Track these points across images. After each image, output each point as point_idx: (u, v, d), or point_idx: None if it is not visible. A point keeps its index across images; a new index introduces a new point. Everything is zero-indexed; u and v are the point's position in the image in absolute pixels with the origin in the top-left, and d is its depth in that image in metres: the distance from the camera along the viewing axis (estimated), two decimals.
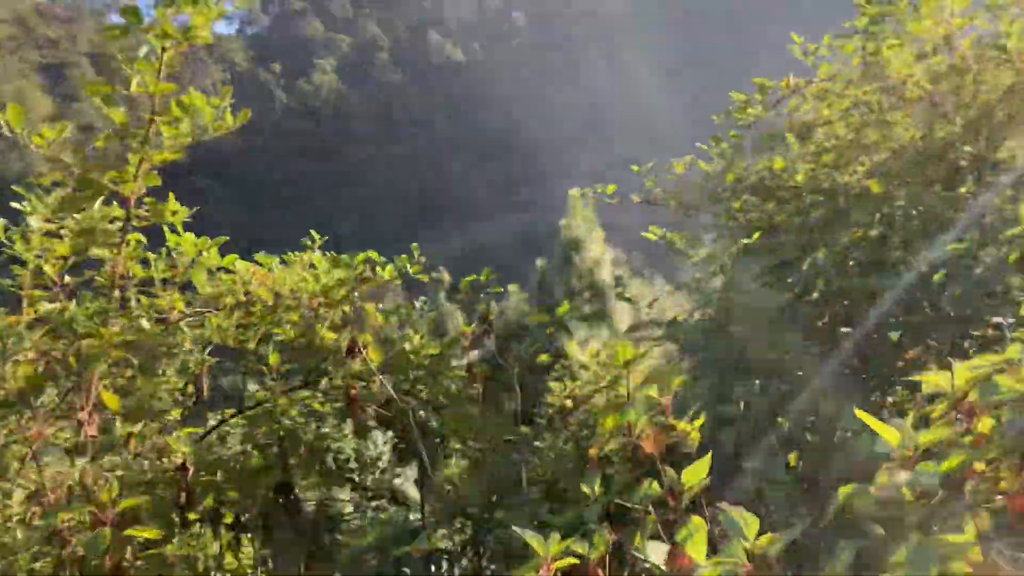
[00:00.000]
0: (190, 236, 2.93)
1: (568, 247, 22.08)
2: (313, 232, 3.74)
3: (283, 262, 4.03)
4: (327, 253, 3.54)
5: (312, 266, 3.61)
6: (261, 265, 3.40)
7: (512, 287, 23.39)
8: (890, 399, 2.64)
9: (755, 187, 3.53)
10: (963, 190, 2.78)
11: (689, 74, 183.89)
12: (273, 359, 3.15)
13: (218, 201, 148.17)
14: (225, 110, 2.47)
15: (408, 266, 3.27)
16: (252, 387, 3.50)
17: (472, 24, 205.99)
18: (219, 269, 3.15)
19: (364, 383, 2.97)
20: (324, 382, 3.21)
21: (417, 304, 3.83)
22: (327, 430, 3.83)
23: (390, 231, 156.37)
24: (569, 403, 6.25)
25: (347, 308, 2.83)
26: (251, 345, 3.31)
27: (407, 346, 3.08)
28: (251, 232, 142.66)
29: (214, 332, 3.09)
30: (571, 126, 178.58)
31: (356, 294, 2.76)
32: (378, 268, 3.42)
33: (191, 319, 3.03)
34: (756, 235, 3.13)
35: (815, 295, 2.68)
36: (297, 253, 3.97)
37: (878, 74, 4.02)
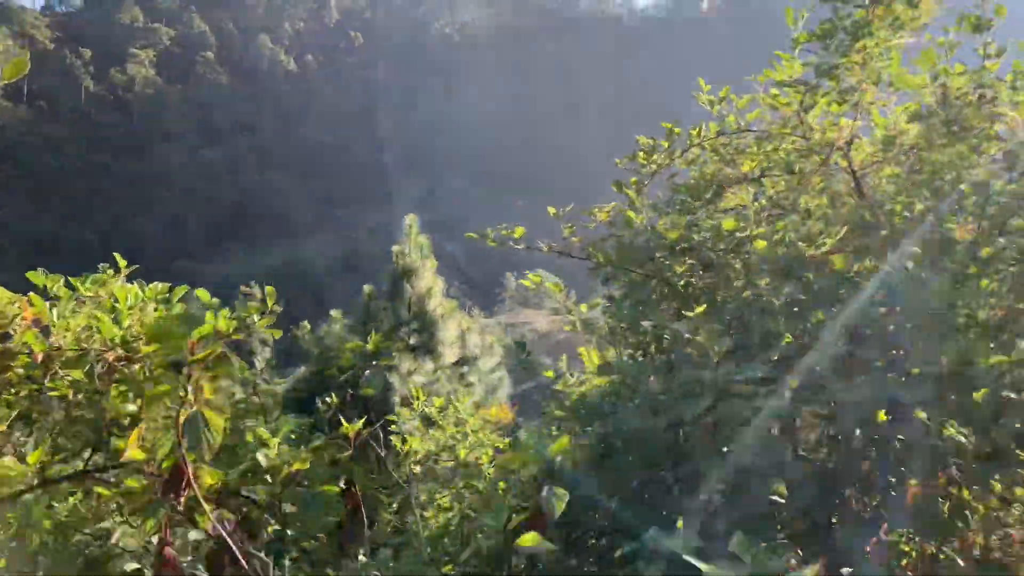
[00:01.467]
0: None
1: (400, 274, 21.16)
2: (117, 256, 2.71)
3: (69, 285, 2.96)
4: (142, 290, 2.53)
5: (115, 301, 2.59)
6: (36, 292, 2.34)
7: (335, 313, 22.05)
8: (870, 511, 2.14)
9: (694, 249, 3.00)
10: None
11: (520, 115, 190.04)
12: (33, 458, 2.07)
13: (1, 189, 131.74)
14: None
15: (255, 317, 2.36)
16: (8, 462, 2.39)
17: (307, 35, 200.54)
18: None
19: (187, 519, 2.00)
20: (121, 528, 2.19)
21: (258, 361, 2.89)
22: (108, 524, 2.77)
23: (200, 238, 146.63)
24: (417, 468, 5.44)
25: (177, 404, 1.83)
26: (0, 427, 2.22)
27: (261, 458, 2.12)
28: (40, 228, 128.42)
29: None
30: (400, 151, 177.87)
31: (191, 384, 1.79)
32: (209, 315, 2.46)
33: None
34: (700, 309, 2.57)
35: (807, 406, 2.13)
36: (91, 278, 2.91)
37: (805, 132, 3.66)
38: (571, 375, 5.48)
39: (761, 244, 2.59)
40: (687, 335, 2.14)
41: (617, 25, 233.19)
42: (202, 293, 2.51)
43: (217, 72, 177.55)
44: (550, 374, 5.23)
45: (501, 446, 5.28)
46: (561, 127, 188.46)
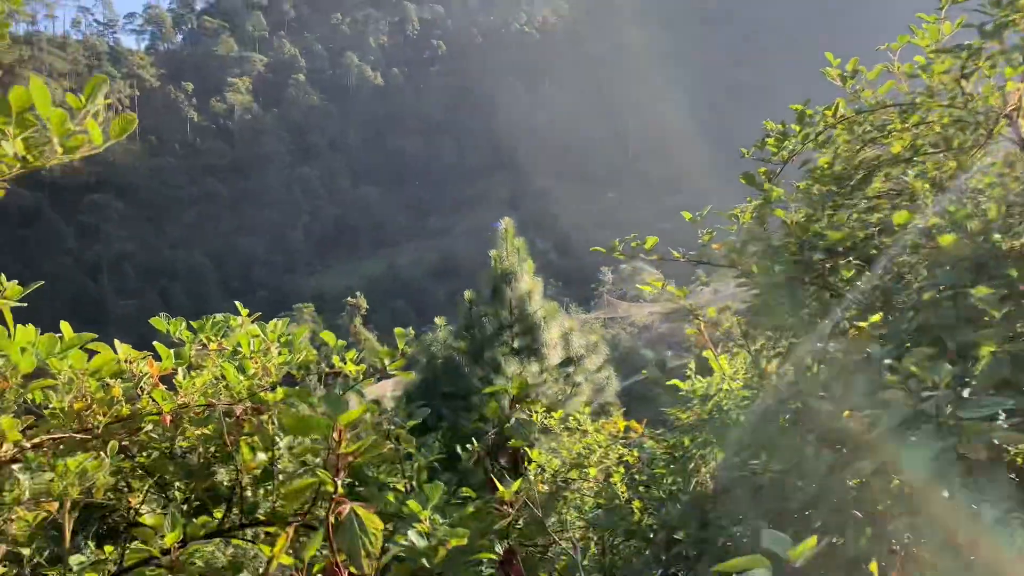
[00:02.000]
0: (26, 332, 1.76)
1: (499, 278, 21.10)
2: (239, 305, 2.62)
3: (191, 328, 2.90)
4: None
5: (236, 349, 2.49)
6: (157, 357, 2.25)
7: (439, 320, 22.23)
8: None
9: (857, 247, 2.65)
10: None
11: (604, 106, 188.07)
12: (170, 539, 1.95)
13: (122, 219, 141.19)
14: (89, 116, 1.34)
15: (386, 360, 2.20)
16: (149, 521, 2.31)
17: (392, 49, 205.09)
18: (90, 373, 1.97)
19: None
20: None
21: (387, 400, 2.74)
22: None
23: (302, 253, 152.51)
24: (543, 487, 5.23)
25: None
26: (135, 500, 2.13)
27: (415, 538, 1.88)
28: (154, 252, 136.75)
29: (69, 479, 1.88)
30: (487, 154, 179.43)
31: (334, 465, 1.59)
32: (335, 359, 2.33)
33: (34, 453, 1.86)
34: (875, 317, 2.24)
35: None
36: (211, 323, 2.84)
37: (966, 101, 3.22)
38: (697, 377, 5.13)
39: (948, 239, 2.22)
40: (887, 360, 1.81)
41: (700, 4, 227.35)
42: (327, 336, 2.37)
43: (308, 92, 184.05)
44: (684, 386, 4.89)
45: (631, 459, 5.00)
46: (647, 114, 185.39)
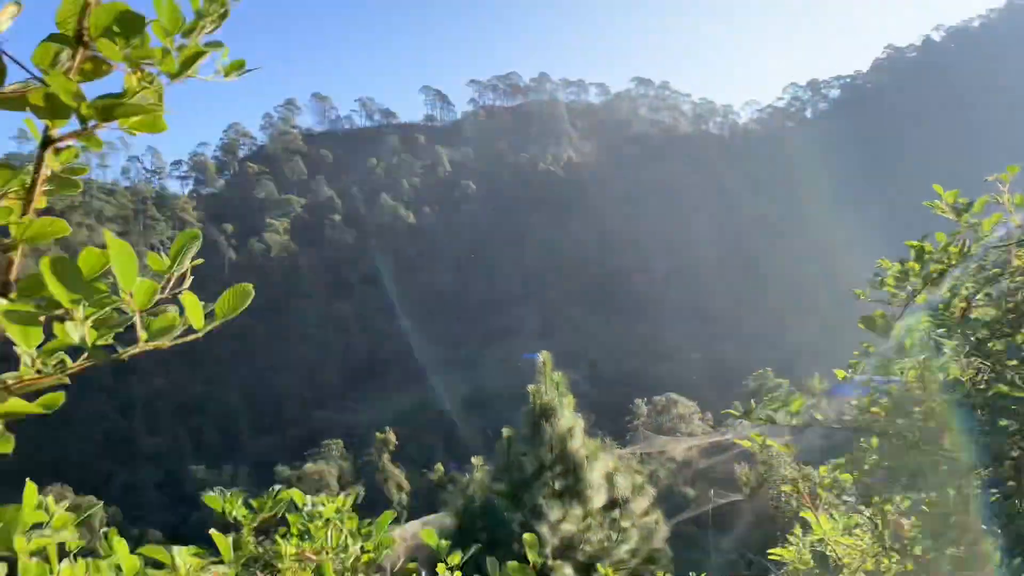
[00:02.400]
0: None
1: (538, 415, 20.32)
2: (324, 501, 2.21)
3: (249, 506, 2.52)
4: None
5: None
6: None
7: (475, 460, 21.28)
8: None
9: None
10: None
11: (629, 239, 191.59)
12: None
13: (157, 359, 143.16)
14: (177, 282, 1.01)
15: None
16: None
17: (424, 189, 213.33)
18: None
19: None
20: None
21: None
22: None
23: (333, 388, 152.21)
24: None
25: None
26: None
27: None
28: (186, 389, 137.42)
29: None
30: (516, 286, 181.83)
31: None
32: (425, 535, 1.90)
33: None
34: None
35: None
36: (268, 500, 2.46)
37: None
38: (796, 539, 4.58)
39: None
40: None
41: (719, 143, 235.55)
42: (429, 536, 1.94)
43: (344, 232, 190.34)
44: (790, 555, 4.30)
45: None
46: (673, 245, 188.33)
